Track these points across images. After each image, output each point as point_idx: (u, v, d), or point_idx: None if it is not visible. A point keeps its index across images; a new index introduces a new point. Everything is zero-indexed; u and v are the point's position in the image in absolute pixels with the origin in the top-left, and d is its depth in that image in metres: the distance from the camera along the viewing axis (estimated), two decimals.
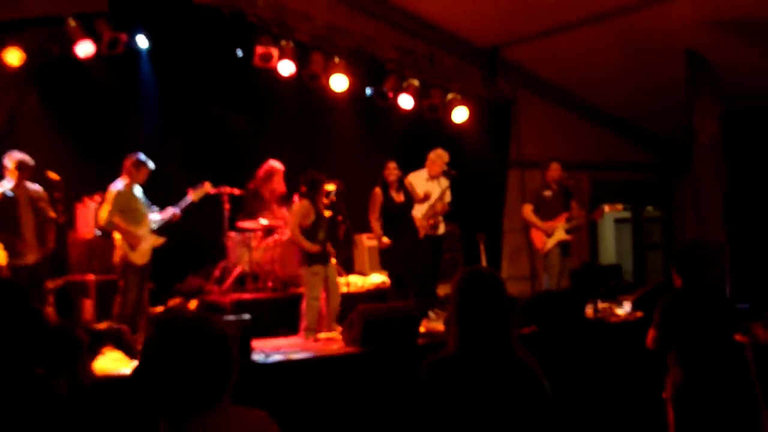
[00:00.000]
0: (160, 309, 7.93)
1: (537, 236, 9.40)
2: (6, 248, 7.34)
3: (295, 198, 8.20)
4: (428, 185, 8.90)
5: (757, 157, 10.61)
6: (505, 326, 2.98)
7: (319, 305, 7.82)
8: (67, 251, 8.78)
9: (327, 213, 8.28)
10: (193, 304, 6.58)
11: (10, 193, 7.54)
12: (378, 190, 8.53)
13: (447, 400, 2.90)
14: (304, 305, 7.76)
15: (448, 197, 8.98)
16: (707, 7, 9.12)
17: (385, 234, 8.51)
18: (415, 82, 10.41)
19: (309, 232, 7.79)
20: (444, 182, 8.95)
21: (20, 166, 7.55)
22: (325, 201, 8.32)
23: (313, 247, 7.71)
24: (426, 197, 8.75)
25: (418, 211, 8.85)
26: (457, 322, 3.02)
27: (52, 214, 7.86)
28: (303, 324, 7.73)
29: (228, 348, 2.25)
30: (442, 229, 9.23)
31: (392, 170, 8.51)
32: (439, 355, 3.02)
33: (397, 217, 8.52)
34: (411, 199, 8.62)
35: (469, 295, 3.02)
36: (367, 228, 9.91)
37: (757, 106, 10.54)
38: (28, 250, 7.62)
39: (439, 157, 8.91)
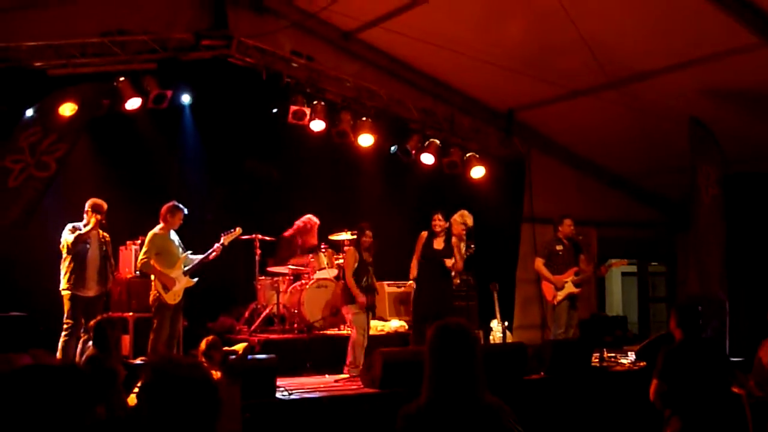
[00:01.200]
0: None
1: (548, 289, 9.87)
2: (72, 277, 8.05)
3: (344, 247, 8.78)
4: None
5: (755, 217, 11.07)
6: (474, 376, 3.04)
7: (363, 342, 8.44)
8: (109, 290, 9.34)
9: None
10: (240, 347, 7.08)
11: (83, 230, 8.20)
12: (424, 234, 9.07)
13: None
14: (350, 342, 8.42)
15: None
16: (709, 77, 9.75)
17: (420, 276, 9.01)
18: (437, 141, 11.03)
19: (356, 278, 8.45)
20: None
21: (94, 208, 8.23)
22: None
23: (361, 297, 8.39)
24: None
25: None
26: (428, 372, 3.10)
27: (113, 260, 8.54)
28: (348, 359, 8.31)
29: (215, 392, 2.34)
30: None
31: (438, 222, 9.02)
32: (413, 404, 3.09)
33: (432, 262, 9.01)
34: (450, 249, 9.06)
35: (439, 346, 3.11)
36: (388, 275, 10.52)
37: (755, 171, 11.04)
38: (90, 284, 8.25)
39: (462, 217, 9.28)
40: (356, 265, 8.50)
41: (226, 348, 6.89)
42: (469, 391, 3.00)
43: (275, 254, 10.09)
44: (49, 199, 8.48)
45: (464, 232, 9.18)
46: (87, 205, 8.24)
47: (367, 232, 8.74)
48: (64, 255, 8.15)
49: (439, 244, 9.04)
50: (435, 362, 3.09)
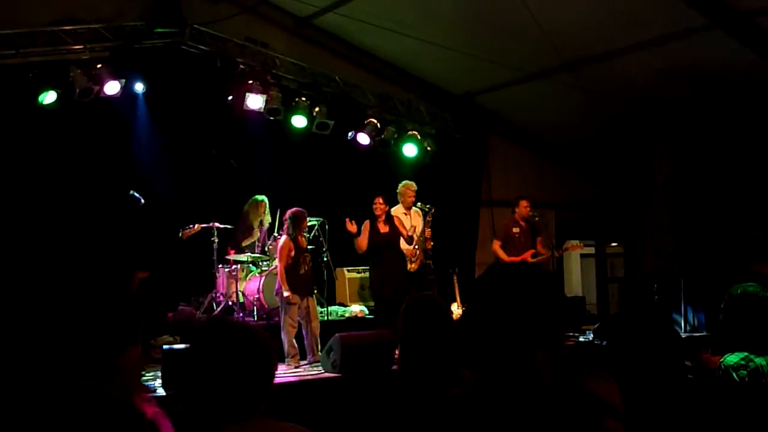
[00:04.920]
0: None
1: None
2: None
3: (279, 235, 8.75)
4: (407, 219, 9.52)
5: (706, 194, 11.27)
6: (444, 348, 3.04)
7: (294, 332, 8.33)
8: None
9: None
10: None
11: None
12: (367, 223, 9.13)
13: (392, 420, 2.99)
14: (282, 333, 8.30)
15: (427, 233, 9.48)
16: (661, 58, 9.89)
17: (374, 262, 9.06)
18: (374, 121, 11.03)
19: (291, 267, 8.36)
20: (419, 217, 9.55)
21: None
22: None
23: (287, 291, 8.24)
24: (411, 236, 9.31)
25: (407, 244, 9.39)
26: (401, 346, 3.14)
27: None
28: (284, 350, 8.28)
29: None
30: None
31: (379, 205, 9.13)
32: (389, 377, 3.13)
33: (382, 248, 9.09)
34: (396, 231, 9.17)
35: (410, 320, 3.12)
36: (348, 261, 10.54)
37: (706, 148, 11.25)
38: None
39: (407, 188, 9.50)
40: (292, 253, 8.40)
41: None
42: (441, 364, 3.00)
43: (232, 240, 10.03)
44: None
45: (413, 198, 9.37)
46: None
47: (305, 225, 8.69)
48: None
49: (383, 227, 9.10)
50: (409, 335, 3.09)
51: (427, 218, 9.43)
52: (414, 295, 3.22)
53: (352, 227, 9.01)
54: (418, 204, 9.57)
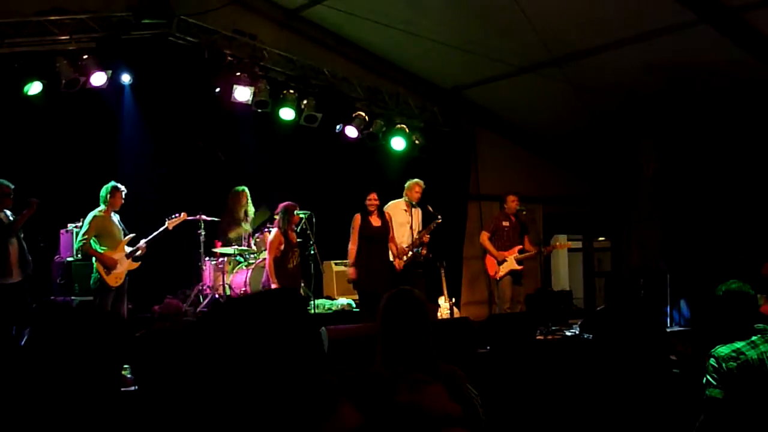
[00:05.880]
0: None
1: (490, 263, 10.01)
2: None
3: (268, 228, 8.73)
4: (405, 215, 9.51)
5: (694, 189, 11.33)
6: (427, 342, 3.04)
7: None
8: (51, 273, 9.20)
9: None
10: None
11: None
12: (358, 216, 9.06)
13: (373, 416, 2.91)
14: None
15: (425, 238, 9.46)
16: (649, 54, 9.90)
17: (360, 255, 9.01)
18: (362, 113, 11.01)
19: (280, 261, 8.34)
20: (419, 215, 9.56)
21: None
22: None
23: (276, 284, 8.23)
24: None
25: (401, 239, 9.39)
26: (381, 340, 3.08)
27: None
28: None
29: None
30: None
31: (373, 201, 9.06)
32: (366, 372, 3.05)
33: (371, 240, 9.04)
34: (387, 227, 9.14)
35: (392, 314, 3.10)
36: (335, 254, 10.52)
37: (694, 143, 11.30)
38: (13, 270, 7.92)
39: (416, 184, 9.53)
40: (281, 247, 8.38)
41: None
42: (423, 357, 2.99)
43: (219, 233, 10.01)
44: None
45: (420, 195, 9.45)
46: None
47: (294, 218, 8.65)
48: None
49: (376, 221, 9.08)
50: (388, 329, 3.07)
51: (431, 225, 9.45)
52: (393, 291, 3.18)
53: (354, 275, 9.00)
54: (429, 207, 9.58)
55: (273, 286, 8.20)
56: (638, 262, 10.78)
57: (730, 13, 8.88)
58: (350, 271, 9.02)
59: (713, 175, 11.32)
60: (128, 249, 8.47)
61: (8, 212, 8.00)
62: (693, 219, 11.26)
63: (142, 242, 8.55)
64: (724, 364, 3.82)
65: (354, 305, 10.24)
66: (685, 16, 8.94)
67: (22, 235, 8.04)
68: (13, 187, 7.99)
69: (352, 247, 9.01)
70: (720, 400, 3.82)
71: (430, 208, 9.53)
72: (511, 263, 9.85)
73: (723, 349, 3.87)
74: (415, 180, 9.62)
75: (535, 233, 10.40)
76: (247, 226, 10.11)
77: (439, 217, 9.46)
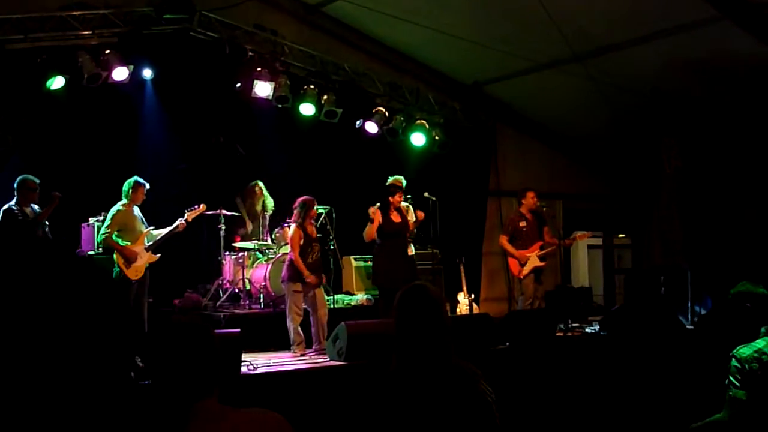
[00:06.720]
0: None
1: (513, 264, 9.92)
2: None
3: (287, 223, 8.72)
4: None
5: (716, 187, 11.23)
6: (442, 338, 3.00)
7: (299, 320, 8.31)
8: None
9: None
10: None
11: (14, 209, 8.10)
12: (378, 211, 8.96)
13: (391, 414, 2.91)
14: (287, 321, 8.29)
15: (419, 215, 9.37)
16: (672, 50, 9.84)
17: (380, 251, 9.00)
18: (382, 109, 11.02)
19: (299, 255, 8.33)
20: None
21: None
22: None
23: (309, 277, 8.24)
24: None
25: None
26: (397, 337, 3.04)
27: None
28: (290, 338, 8.27)
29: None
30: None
31: (398, 197, 8.97)
32: (385, 371, 3.02)
33: (392, 236, 9.01)
34: (405, 222, 9.09)
35: (406, 309, 3.05)
36: (354, 250, 10.53)
37: (716, 141, 11.20)
38: None
39: (396, 180, 9.37)
40: (302, 242, 8.39)
41: None
42: (439, 354, 2.94)
43: (238, 227, 10.06)
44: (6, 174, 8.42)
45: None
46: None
47: (313, 213, 8.65)
48: None
49: (396, 217, 9.05)
50: (403, 326, 3.02)
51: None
52: (407, 286, 3.12)
53: (377, 216, 8.94)
54: (425, 194, 9.57)
55: (307, 279, 8.22)
56: (660, 260, 10.71)
57: (753, 9, 8.81)
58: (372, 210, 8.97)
59: (735, 172, 11.22)
60: (158, 233, 8.49)
61: (35, 206, 8.14)
62: (714, 217, 11.17)
63: (180, 220, 8.57)
64: (746, 365, 3.81)
65: (373, 300, 10.24)
66: (708, 13, 8.87)
67: (47, 229, 8.15)
68: (38, 182, 8.10)
69: (373, 231, 8.96)
70: (744, 401, 3.80)
71: (427, 194, 9.56)
72: (533, 261, 9.78)
73: (745, 350, 3.86)
74: (398, 177, 9.47)
75: (554, 226, 10.30)
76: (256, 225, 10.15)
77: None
